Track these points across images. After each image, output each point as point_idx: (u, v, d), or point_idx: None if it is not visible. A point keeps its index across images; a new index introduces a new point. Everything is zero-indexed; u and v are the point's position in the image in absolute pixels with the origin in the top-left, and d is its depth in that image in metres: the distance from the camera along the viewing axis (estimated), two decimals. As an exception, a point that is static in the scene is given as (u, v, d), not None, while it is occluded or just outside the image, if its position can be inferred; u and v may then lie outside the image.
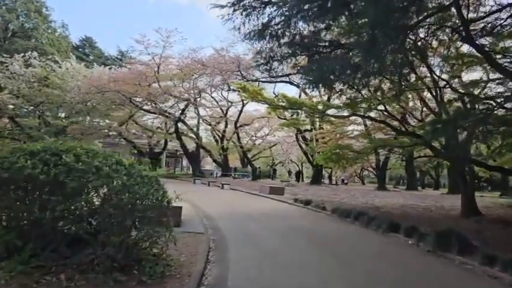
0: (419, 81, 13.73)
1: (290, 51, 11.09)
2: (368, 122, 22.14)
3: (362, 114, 12.92)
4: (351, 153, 14.35)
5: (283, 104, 12.89)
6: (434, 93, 14.03)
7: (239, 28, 11.08)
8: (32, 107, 31.16)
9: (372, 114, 15.93)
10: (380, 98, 13.35)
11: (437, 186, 50.33)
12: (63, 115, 32.53)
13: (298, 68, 11.63)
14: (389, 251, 8.32)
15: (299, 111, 18.21)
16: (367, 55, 7.72)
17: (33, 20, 37.11)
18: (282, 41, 11.33)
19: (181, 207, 8.54)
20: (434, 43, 11.71)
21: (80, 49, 69.22)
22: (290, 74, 29.89)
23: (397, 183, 56.02)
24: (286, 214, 13.30)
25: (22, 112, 31.15)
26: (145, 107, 33.44)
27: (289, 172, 51.73)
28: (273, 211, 13.82)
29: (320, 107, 12.76)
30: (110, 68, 32.74)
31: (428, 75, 13.53)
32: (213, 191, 22.37)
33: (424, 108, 20.17)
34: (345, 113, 13.08)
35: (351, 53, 9.57)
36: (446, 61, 12.83)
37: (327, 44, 10.62)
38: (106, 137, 44.49)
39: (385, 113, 13.78)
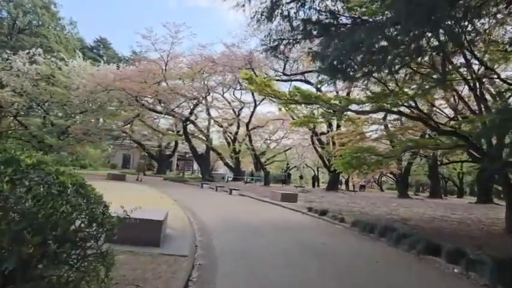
0: (456, 73, 11.70)
1: (303, 33, 9.23)
2: (389, 119, 20.05)
3: (390, 109, 10.93)
4: (374, 156, 12.33)
5: (296, 99, 11.00)
6: (472, 87, 11.96)
7: (243, 5, 9.35)
8: (36, 106, 30.04)
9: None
10: (409, 92, 11.33)
11: (461, 194, 47.62)
12: (66, 114, 31.28)
13: (313, 53, 9.72)
14: (432, 284, 6.33)
15: (314, 111, 16.32)
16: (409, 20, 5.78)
17: (41, 16, 36.22)
18: (294, 23, 9.50)
19: (161, 221, 6.73)
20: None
21: (95, 50, 69.07)
22: (305, 72, 28.11)
23: (416, 190, 53.36)
24: (298, 227, 11.37)
25: (25, 111, 30.02)
26: (151, 107, 31.87)
27: (301, 177, 49.76)
28: (283, 223, 11.91)
29: (339, 102, 10.83)
30: (117, 67, 31.41)
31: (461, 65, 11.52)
32: (219, 197, 20.56)
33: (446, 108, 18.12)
34: (369, 108, 11.08)
35: (378, 33, 7.62)
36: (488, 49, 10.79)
37: (348, 22, 8.71)
38: (115, 139, 43.46)
39: (415, 110, 11.74)
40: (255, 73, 18.58)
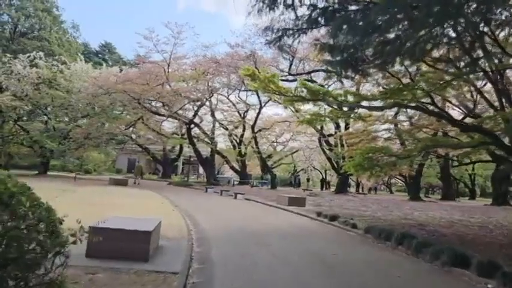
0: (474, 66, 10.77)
1: (309, 22, 8.38)
2: (400, 119, 19.06)
3: (408, 104, 10.02)
4: (387, 157, 11.43)
5: (303, 95, 10.14)
6: (493, 80, 11.02)
7: (243, -7, 8.56)
8: (37, 110, 29.49)
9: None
10: (426, 88, 10.42)
11: (473, 196, 46.34)
12: (67, 119, 30.71)
13: (320, 44, 8.87)
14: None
15: (321, 112, 15.42)
16: None
17: (43, 20, 35.76)
18: (299, 11, 8.67)
19: (149, 232, 5.89)
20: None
21: (100, 55, 69.02)
22: (311, 72, 27.22)
23: (426, 192, 52.15)
24: (307, 234, 10.49)
25: (27, 115, 29.48)
26: (154, 109, 31.11)
27: (308, 179, 48.83)
28: (290, 230, 11.03)
29: (350, 98, 9.95)
30: (120, 70, 30.76)
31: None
32: (223, 201, 19.71)
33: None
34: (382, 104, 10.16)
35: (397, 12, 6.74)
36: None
37: (360, 7, 7.84)
38: (120, 143, 42.91)
39: (430, 106, 10.82)
40: (258, 71, 17.72)
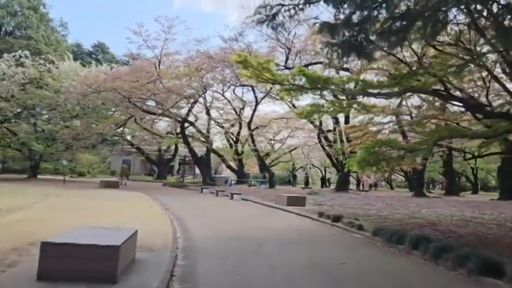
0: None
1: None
2: (402, 110, 17.97)
3: (421, 88, 8.93)
4: (395, 151, 10.37)
5: (301, 84, 9.07)
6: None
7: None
8: (24, 111, 28.29)
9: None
10: (437, 72, 9.36)
11: (475, 190, 45.49)
12: (56, 119, 29.51)
13: (320, 24, 7.80)
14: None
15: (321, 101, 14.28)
16: None
17: (29, 18, 34.52)
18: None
19: (117, 247, 4.78)
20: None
21: (93, 55, 67.94)
22: (309, 65, 26.08)
23: (427, 187, 51.23)
24: (308, 239, 9.42)
25: (14, 116, 28.28)
26: (145, 107, 29.86)
27: (307, 177, 47.90)
28: (290, 233, 9.95)
29: (351, 85, 8.89)
30: (111, 68, 29.58)
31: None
32: (218, 202, 18.63)
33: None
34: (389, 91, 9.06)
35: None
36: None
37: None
38: (114, 145, 41.86)
39: (443, 93, 9.75)
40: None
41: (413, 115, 16.73)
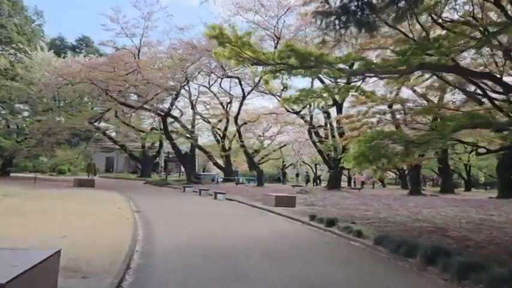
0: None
1: None
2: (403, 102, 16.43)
3: (438, 63, 7.35)
4: (399, 145, 8.83)
5: (290, 62, 7.44)
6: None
7: None
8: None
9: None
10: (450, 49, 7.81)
11: (468, 188, 44.46)
12: (26, 113, 27.48)
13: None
14: None
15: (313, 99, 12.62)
16: None
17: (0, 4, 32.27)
18: None
19: (1, 286, 3.09)
20: None
21: (77, 49, 65.52)
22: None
23: (420, 184, 50.02)
24: (298, 250, 7.80)
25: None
26: (123, 100, 27.84)
27: (297, 175, 46.34)
28: (277, 242, 8.34)
29: (352, 64, 7.31)
30: (84, 56, 27.59)
31: None
32: (200, 203, 16.96)
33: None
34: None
35: None
36: None
37: None
38: (96, 141, 40.05)
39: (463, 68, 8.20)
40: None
41: (417, 104, 15.20)
